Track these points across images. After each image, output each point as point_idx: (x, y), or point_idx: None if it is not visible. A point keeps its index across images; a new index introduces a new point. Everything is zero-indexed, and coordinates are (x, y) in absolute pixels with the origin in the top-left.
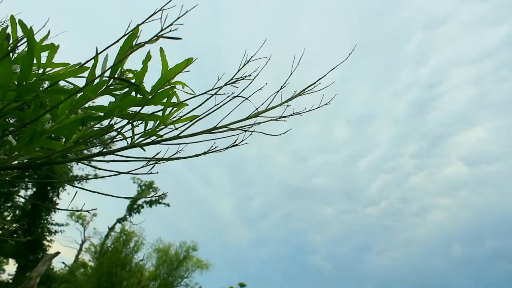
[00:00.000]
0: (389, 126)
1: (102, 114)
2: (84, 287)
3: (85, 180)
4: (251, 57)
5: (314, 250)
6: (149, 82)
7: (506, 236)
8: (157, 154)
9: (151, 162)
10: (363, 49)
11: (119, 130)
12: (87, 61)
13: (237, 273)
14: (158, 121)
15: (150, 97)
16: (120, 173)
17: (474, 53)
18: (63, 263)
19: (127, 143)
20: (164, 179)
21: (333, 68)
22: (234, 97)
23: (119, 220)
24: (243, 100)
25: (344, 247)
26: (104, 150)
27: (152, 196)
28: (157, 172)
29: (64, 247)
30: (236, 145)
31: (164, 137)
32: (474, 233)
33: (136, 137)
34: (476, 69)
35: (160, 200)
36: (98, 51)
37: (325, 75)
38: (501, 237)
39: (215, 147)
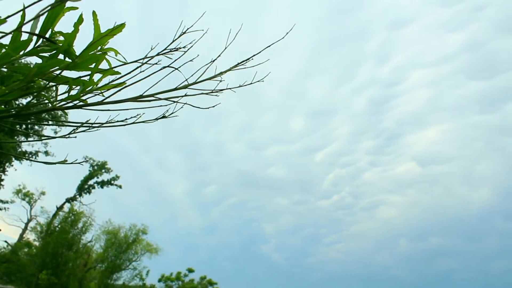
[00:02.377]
0: (347, 122)
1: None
2: (27, 267)
3: (33, 156)
4: (187, 28)
5: (265, 240)
6: (83, 47)
7: (448, 234)
8: (88, 121)
9: (81, 129)
10: (327, 43)
11: (41, 91)
12: (8, 16)
13: (187, 258)
14: (84, 86)
15: (77, 60)
16: (42, 138)
17: (433, 56)
18: (6, 242)
19: (49, 106)
20: (118, 161)
21: (268, 46)
22: (164, 67)
23: (69, 200)
24: (173, 71)
25: (294, 238)
26: (23, 112)
27: (82, 162)
28: (75, 137)
29: (8, 226)
30: (165, 116)
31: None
32: (420, 230)
33: (59, 100)
34: (434, 72)
35: (113, 182)
36: (25, 7)
37: (259, 52)
38: (444, 235)
39: (143, 117)
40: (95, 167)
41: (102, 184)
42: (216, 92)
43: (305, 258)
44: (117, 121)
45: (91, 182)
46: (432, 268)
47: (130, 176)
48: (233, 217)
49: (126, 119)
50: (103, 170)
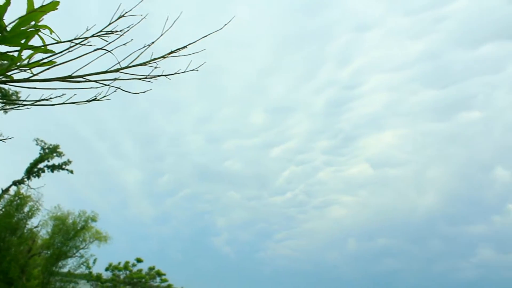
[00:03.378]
0: (306, 121)
1: None
2: None
3: None
4: (126, 12)
5: (216, 233)
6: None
7: (395, 235)
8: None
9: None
10: (290, 42)
11: None
12: None
13: (137, 248)
14: (12, 62)
15: (7, 35)
16: None
17: (393, 62)
18: None
19: None
20: (71, 146)
21: (205, 36)
22: (97, 49)
23: (16, 183)
24: (105, 53)
25: (246, 233)
26: None
27: (5, 139)
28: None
29: None
30: (97, 99)
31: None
32: (369, 230)
33: None
34: (392, 78)
35: (64, 166)
36: None
37: (195, 42)
38: (391, 236)
39: (73, 98)
40: (46, 150)
41: (53, 168)
42: (150, 78)
43: (255, 252)
44: (43, 99)
45: (41, 165)
46: (378, 268)
47: (83, 161)
48: (186, 209)
49: (56, 97)
50: (55, 154)
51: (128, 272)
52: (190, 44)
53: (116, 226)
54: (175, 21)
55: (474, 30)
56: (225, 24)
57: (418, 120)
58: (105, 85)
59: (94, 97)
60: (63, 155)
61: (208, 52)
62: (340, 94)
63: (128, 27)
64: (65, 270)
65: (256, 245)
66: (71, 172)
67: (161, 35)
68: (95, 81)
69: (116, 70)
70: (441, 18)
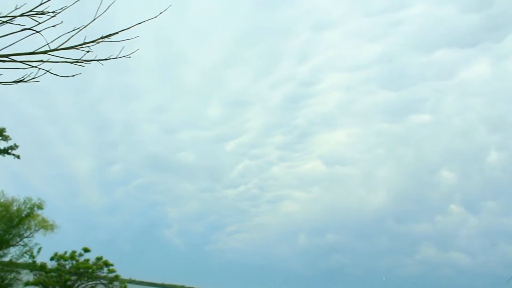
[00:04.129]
0: (262, 115)
1: None
2: None
3: None
4: None
5: (168, 224)
6: None
7: (344, 232)
8: None
9: None
10: (251, 36)
11: None
12: None
13: (85, 238)
14: None
15: None
16: None
17: (350, 62)
18: None
19: None
20: (18, 129)
21: (138, 23)
22: (25, 29)
23: None
24: (34, 33)
25: (197, 225)
26: None
27: None
28: None
29: None
30: (25, 81)
31: None
32: (319, 226)
33: None
34: (349, 77)
35: (10, 151)
36: None
37: (127, 28)
38: (340, 233)
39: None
40: None
41: None
42: (82, 62)
43: (206, 245)
44: None
45: None
46: (326, 263)
47: (31, 146)
48: (137, 199)
49: None
50: (0, 138)
51: (74, 262)
52: (122, 30)
53: (64, 215)
54: (108, 7)
55: (428, 36)
56: (160, 13)
57: (371, 120)
58: (32, 66)
59: (22, 78)
60: (9, 139)
61: (168, 40)
62: (297, 91)
63: (61, 8)
64: (6, 259)
65: (207, 237)
66: (18, 157)
67: (94, 19)
68: (21, 61)
69: (45, 52)
70: (398, 22)
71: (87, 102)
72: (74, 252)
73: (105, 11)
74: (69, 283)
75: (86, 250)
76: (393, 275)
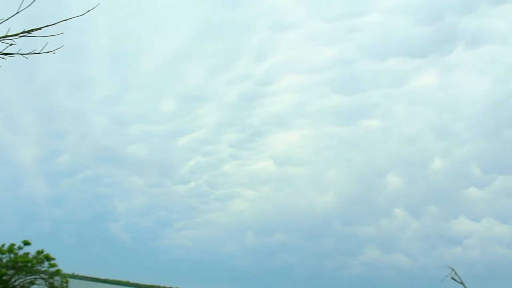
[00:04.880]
0: (216, 112)
1: None
2: None
3: None
4: None
5: (115, 218)
6: None
7: (292, 232)
8: None
9: None
10: (209, 31)
11: None
12: None
13: (27, 230)
14: None
15: None
16: None
17: (306, 65)
18: None
19: None
20: None
21: (64, 20)
22: None
23: None
24: None
25: (145, 220)
26: None
27: None
28: None
29: None
30: None
31: None
32: (267, 225)
33: None
34: (304, 79)
35: None
36: None
37: (52, 24)
38: (288, 232)
39: None
40: None
41: None
42: (3, 55)
43: (153, 241)
44: None
45: None
46: (273, 262)
47: None
48: (84, 191)
49: None
50: None
51: (12, 255)
52: (46, 26)
53: (6, 206)
54: (33, 1)
55: (382, 44)
56: (88, 11)
57: (323, 123)
58: None
59: None
60: None
61: (124, 30)
62: (253, 89)
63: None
64: None
65: (155, 233)
66: None
67: (17, 12)
68: None
69: None
70: (355, 28)
71: (35, 89)
72: (12, 245)
73: (29, 5)
74: (5, 277)
75: (26, 243)
76: (338, 275)
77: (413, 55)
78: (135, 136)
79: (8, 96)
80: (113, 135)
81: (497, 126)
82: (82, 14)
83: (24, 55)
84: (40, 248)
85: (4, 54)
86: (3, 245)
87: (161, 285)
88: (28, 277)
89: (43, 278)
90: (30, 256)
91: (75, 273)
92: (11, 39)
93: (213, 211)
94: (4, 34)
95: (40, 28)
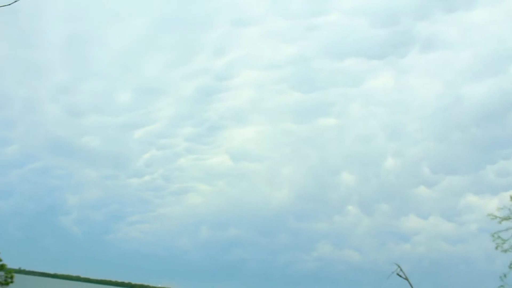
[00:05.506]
0: (174, 105)
1: None
2: None
3: None
4: None
5: (66, 211)
6: None
7: (246, 226)
8: None
9: None
10: (168, 23)
11: None
12: None
13: None
14: None
15: None
16: None
17: (265, 61)
18: None
19: None
20: None
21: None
22: None
23: None
24: None
25: (98, 213)
26: None
27: None
28: None
29: None
30: None
31: None
32: (222, 220)
33: None
34: (262, 76)
35: None
36: None
37: None
38: (242, 227)
39: None
40: None
41: None
42: None
43: (105, 234)
44: None
45: None
46: (227, 256)
47: None
48: (33, 183)
49: None
50: None
51: None
52: None
53: None
54: None
55: (340, 44)
56: (15, 1)
57: (280, 119)
58: None
59: None
60: None
61: (81, 18)
62: (211, 84)
63: None
64: None
65: (107, 226)
66: None
67: None
68: None
69: None
70: (314, 27)
71: None
72: None
73: None
74: None
75: None
76: (291, 269)
77: (369, 56)
78: (89, 127)
79: None
80: (66, 125)
81: (447, 129)
82: (9, 4)
83: None
84: None
85: None
86: None
87: (113, 279)
88: None
89: None
90: None
91: (22, 268)
92: None
93: (167, 205)
94: None
95: None
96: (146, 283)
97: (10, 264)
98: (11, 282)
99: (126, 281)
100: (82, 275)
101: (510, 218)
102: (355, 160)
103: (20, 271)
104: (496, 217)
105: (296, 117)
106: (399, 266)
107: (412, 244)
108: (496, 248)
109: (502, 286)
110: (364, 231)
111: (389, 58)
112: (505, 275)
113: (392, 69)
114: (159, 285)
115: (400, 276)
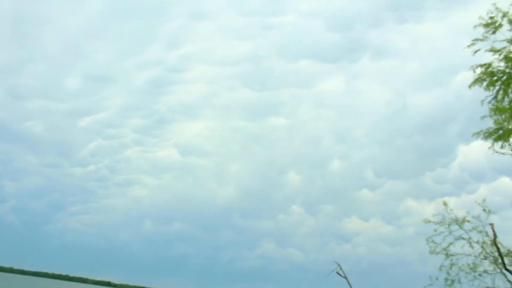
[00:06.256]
0: (123, 95)
1: None
2: None
3: None
4: None
5: (2, 199)
6: None
7: (191, 222)
8: None
9: None
10: (123, 10)
11: None
12: None
13: None
14: None
15: None
16: None
17: (219, 56)
18: None
19: None
20: None
21: None
22: None
23: None
24: None
25: (37, 202)
26: None
27: None
28: None
29: None
30: None
31: None
32: (166, 214)
33: None
34: (215, 71)
35: None
36: None
37: None
38: (186, 222)
39: None
40: None
41: None
42: None
43: (45, 224)
44: None
45: None
46: (170, 251)
47: None
48: None
49: None
50: None
51: None
52: None
53: None
54: None
55: (294, 45)
56: None
57: (230, 116)
58: None
59: None
60: None
61: None
62: (163, 76)
63: None
64: None
65: (47, 216)
66: None
67: None
68: None
69: None
70: (270, 26)
71: None
72: None
73: None
74: None
75: None
76: (234, 267)
77: (322, 59)
78: (33, 112)
79: None
80: (8, 109)
81: (392, 135)
82: None
83: None
84: None
85: None
86: None
87: (49, 272)
88: None
89: None
90: None
91: None
92: None
93: (111, 197)
94: None
95: None
96: (85, 276)
97: None
98: None
99: (64, 273)
100: (16, 267)
101: (443, 223)
102: (302, 161)
103: None
104: (430, 221)
105: (247, 115)
106: (339, 265)
107: (353, 245)
108: (430, 252)
109: (430, 284)
110: (308, 231)
111: (341, 62)
112: (437, 278)
113: (343, 73)
114: (98, 278)
115: (340, 274)
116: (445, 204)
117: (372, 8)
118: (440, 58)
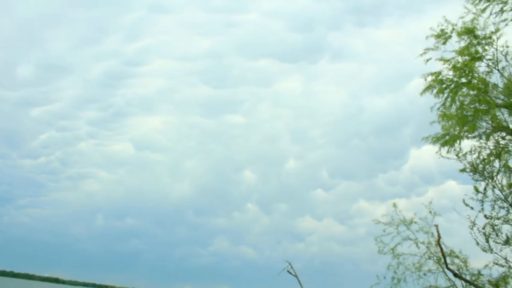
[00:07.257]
0: (78, 86)
1: None
2: None
3: None
4: None
5: None
6: None
7: (144, 217)
8: None
9: None
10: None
11: None
12: None
13: None
14: None
15: None
16: None
17: (178, 51)
18: None
19: None
20: None
21: None
22: None
23: None
24: None
25: None
26: None
27: None
28: None
29: None
30: None
31: None
32: (119, 209)
33: None
34: (174, 66)
35: None
36: None
37: None
38: (140, 218)
39: None
40: None
41: None
42: None
43: None
44: None
45: None
46: (122, 247)
47: None
48: None
49: None
50: None
51: None
52: None
53: None
54: None
55: (255, 43)
56: None
57: (187, 112)
58: None
59: None
60: None
61: None
62: (120, 68)
63: None
64: None
65: None
66: None
67: None
68: None
69: None
70: (232, 24)
71: None
72: None
73: None
74: None
75: None
76: (187, 263)
77: (282, 58)
78: None
79: None
80: None
81: (347, 136)
82: None
83: None
84: None
85: None
86: None
87: None
88: None
89: None
90: None
91: None
92: None
93: (62, 190)
94: None
95: None
96: (31, 273)
97: None
98: None
99: (8, 270)
100: None
101: (391, 224)
102: (258, 159)
103: None
104: (380, 222)
105: (204, 111)
106: (289, 264)
107: (305, 244)
108: (379, 252)
109: (377, 283)
110: (262, 229)
111: (301, 63)
112: (384, 277)
113: (302, 74)
114: (46, 275)
115: (291, 273)
116: (394, 205)
117: (333, 10)
118: (396, 63)
